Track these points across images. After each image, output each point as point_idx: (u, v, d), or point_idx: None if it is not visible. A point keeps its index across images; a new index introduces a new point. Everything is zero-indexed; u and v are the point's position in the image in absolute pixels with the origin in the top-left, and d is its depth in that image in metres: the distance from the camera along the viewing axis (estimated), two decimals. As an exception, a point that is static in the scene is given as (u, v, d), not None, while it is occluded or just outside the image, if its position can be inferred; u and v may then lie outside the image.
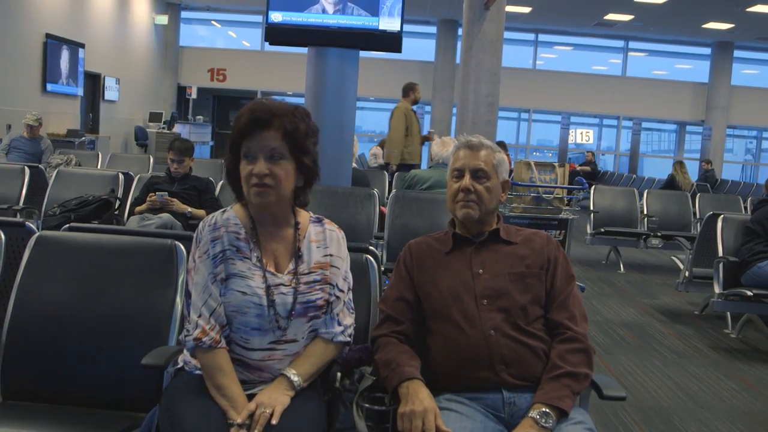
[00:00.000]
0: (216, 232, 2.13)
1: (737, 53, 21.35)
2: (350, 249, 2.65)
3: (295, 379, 2.04)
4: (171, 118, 18.76)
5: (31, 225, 2.92)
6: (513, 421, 2.08)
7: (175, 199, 5.20)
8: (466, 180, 2.39)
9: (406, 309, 2.33)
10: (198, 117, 19.29)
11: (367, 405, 2.13)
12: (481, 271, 2.31)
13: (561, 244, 5.84)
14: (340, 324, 2.18)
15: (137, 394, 2.38)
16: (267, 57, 21.07)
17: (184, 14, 21.32)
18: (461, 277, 2.31)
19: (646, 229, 8.66)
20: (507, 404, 2.13)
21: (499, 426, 2.10)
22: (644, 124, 23.01)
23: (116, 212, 5.67)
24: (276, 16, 5.54)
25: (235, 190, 2.19)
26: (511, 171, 5.97)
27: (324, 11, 5.54)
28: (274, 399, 1.98)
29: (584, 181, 6.87)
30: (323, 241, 2.23)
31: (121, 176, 5.91)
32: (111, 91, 17.15)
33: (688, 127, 23.61)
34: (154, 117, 18.73)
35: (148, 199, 5.20)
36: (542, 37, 22.24)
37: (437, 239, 2.47)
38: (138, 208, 5.29)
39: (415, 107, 9.30)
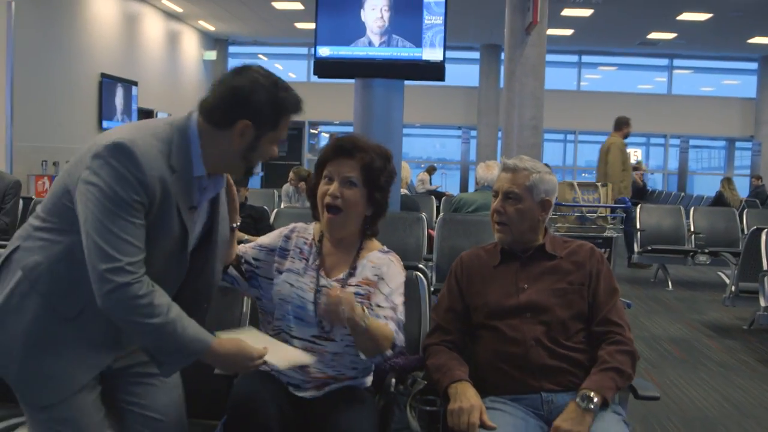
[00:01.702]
0: (291, 233, 2.45)
1: (784, 66, 21.15)
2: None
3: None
4: (222, 150, 19.25)
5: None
6: (552, 417, 2.27)
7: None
8: (498, 202, 2.55)
9: (454, 319, 2.52)
10: (248, 148, 19.73)
11: (419, 406, 2.34)
12: (525, 286, 2.46)
13: (608, 261, 6.02)
14: None
15: (209, 402, 2.59)
16: (314, 88, 21.46)
17: (232, 49, 21.92)
18: (507, 291, 2.47)
19: (693, 246, 8.72)
20: (545, 402, 2.32)
21: (539, 422, 2.29)
22: (692, 142, 22.86)
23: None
24: (324, 51, 5.81)
25: (313, 209, 2.45)
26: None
27: (370, 44, 5.80)
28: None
29: (627, 200, 6.98)
30: (380, 266, 2.41)
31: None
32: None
33: (738, 143, 23.37)
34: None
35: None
36: (585, 59, 22.32)
37: (487, 251, 2.61)
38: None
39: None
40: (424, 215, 5.65)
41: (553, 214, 5.80)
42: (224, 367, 2.16)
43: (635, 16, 16.51)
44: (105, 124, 14.50)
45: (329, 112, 21.27)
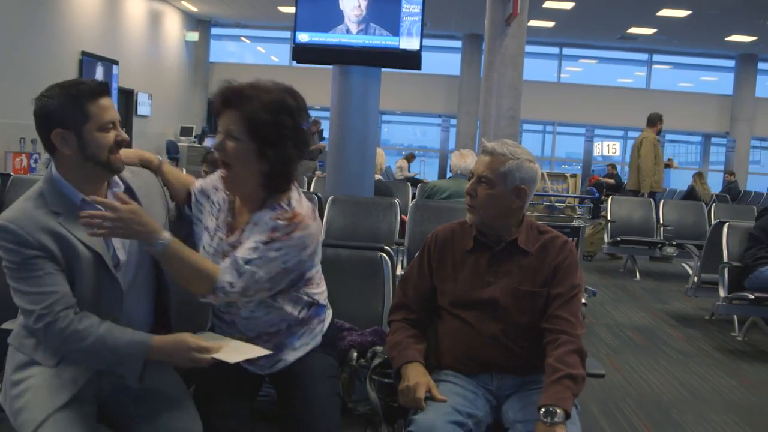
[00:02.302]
0: (219, 185, 2.41)
1: (761, 65, 21.44)
2: (368, 249, 3.03)
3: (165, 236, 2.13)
4: (202, 132, 19.30)
5: None
6: (500, 392, 2.43)
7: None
8: (471, 184, 2.50)
9: (420, 298, 2.59)
10: (228, 131, 19.73)
11: (378, 378, 2.47)
12: (492, 280, 2.47)
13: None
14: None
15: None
16: (295, 72, 21.42)
17: (214, 31, 21.88)
18: (473, 282, 2.49)
19: (662, 238, 8.90)
20: (495, 378, 2.46)
21: (488, 396, 2.43)
22: (669, 136, 23.12)
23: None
24: (303, 37, 5.91)
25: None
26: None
27: (348, 31, 5.90)
28: None
29: (595, 191, 7.11)
30: (265, 222, 2.27)
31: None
32: (143, 107, 17.68)
33: (714, 139, 23.67)
34: (185, 131, 19.27)
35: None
36: (566, 51, 22.49)
37: (463, 229, 2.57)
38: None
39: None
40: (396, 201, 5.77)
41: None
42: (171, 362, 2.19)
43: (616, 11, 16.69)
44: (84, 102, 14.47)
45: (309, 96, 20.96)
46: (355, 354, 2.57)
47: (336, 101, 6.08)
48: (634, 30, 18.74)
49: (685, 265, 7.04)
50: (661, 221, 9.10)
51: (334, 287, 2.60)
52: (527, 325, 2.43)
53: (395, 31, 5.83)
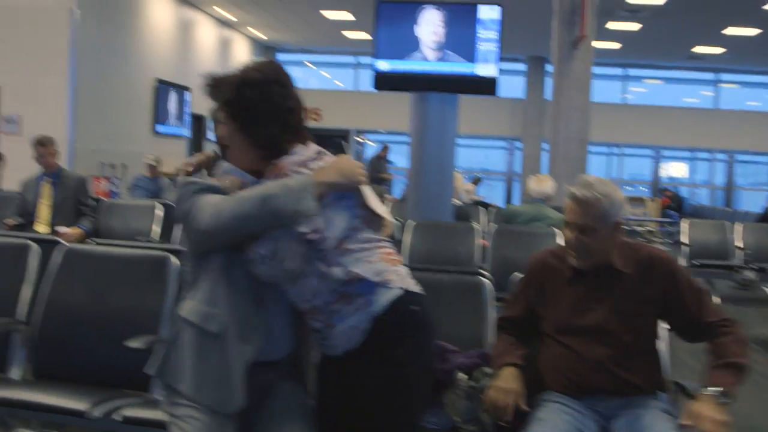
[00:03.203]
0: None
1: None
2: (464, 272, 3.11)
3: None
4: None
5: (64, 242, 3.59)
6: (608, 413, 2.48)
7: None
8: (573, 235, 2.55)
9: (522, 320, 2.69)
10: (294, 155, 20.03)
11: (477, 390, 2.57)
12: (593, 306, 2.53)
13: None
14: None
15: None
16: (360, 97, 21.82)
17: (280, 56, 22.31)
18: (575, 308, 2.56)
19: (740, 261, 8.74)
20: (602, 400, 2.51)
21: (596, 416, 2.48)
22: (739, 157, 22.69)
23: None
24: (383, 65, 6.06)
25: None
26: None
27: (425, 59, 6.03)
28: None
29: (675, 214, 7.06)
30: None
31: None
32: (213, 132, 18.05)
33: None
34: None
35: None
36: (631, 72, 22.31)
37: (559, 258, 2.65)
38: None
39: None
40: (476, 225, 5.85)
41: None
42: (339, 176, 2.22)
43: (682, 30, 16.52)
44: (159, 128, 14.93)
45: (375, 120, 21.60)
46: (462, 374, 2.65)
47: (415, 128, 6.21)
48: (700, 49, 18.51)
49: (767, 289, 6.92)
50: (740, 244, 8.94)
51: (434, 311, 2.68)
52: (632, 347, 2.49)
53: (471, 58, 5.94)
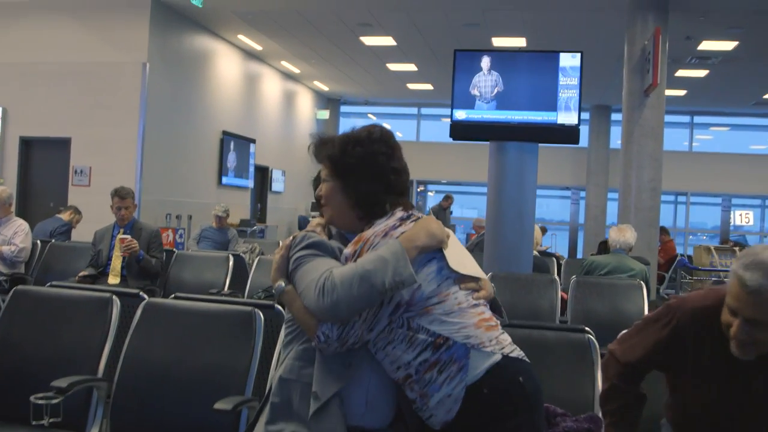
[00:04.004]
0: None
1: None
2: (568, 329, 2.93)
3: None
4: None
5: (144, 295, 3.51)
6: None
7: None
8: (739, 325, 2.14)
9: (646, 366, 2.46)
10: (357, 206, 20.08)
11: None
12: (753, 392, 2.25)
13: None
14: None
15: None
16: (421, 147, 21.84)
17: (344, 108, 22.52)
18: (727, 387, 2.27)
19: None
20: None
21: None
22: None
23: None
24: (460, 114, 5.95)
25: None
26: (690, 258, 6.01)
27: (503, 107, 5.91)
28: None
29: None
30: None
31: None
32: (277, 183, 18.26)
33: None
34: (315, 207, 19.64)
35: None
36: (697, 119, 21.92)
37: (714, 323, 2.25)
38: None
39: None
40: (557, 277, 5.65)
41: (690, 279, 5.71)
42: (426, 238, 2.15)
43: (751, 76, 16.17)
44: (224, 180, 15.08)
45: (436, 171, 21.57)
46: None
47: (493, 176, 6.07)
48: (769, 96, 18.11)
49: None
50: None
51: (537, 370, 2.52)
52: None
53: (553, 107, 5.80)
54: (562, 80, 5.76)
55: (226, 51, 15.09)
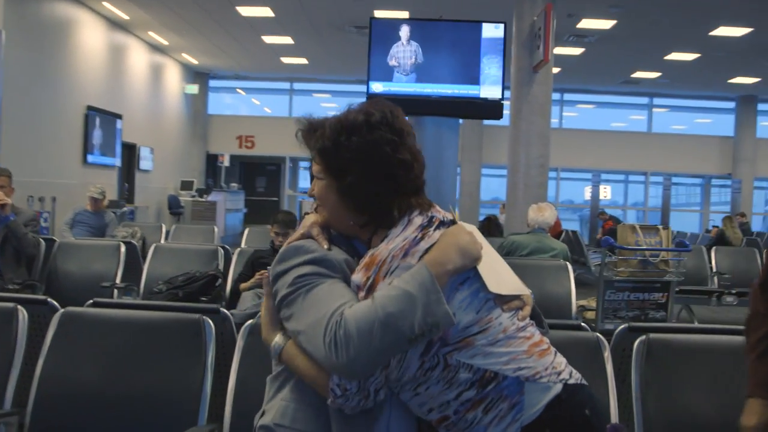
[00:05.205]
0: None
1: (761, 106, 21.48)
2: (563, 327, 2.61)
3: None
4: (206, 186, 18.89)
5: (54, 302, 2.92)
6: None
7: (286, 274, 5.11)
8: None
9: None
10: (232, 184, 19.41)
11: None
12: None
13: (664, 307, 5.78)
14: None
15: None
16: (294, 123, 21.28)
17: (212, 83, 21.59)
18: None
19: (716, 286, 8.58)
20: None
21: None
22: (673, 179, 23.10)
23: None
24: (377, 87, 5.56)
25: None
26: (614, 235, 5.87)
27: (422, 80, 5.57)
28: None
29: (687, 243, 6.77)
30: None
31: (221, 251, 5.85)
32: (145, 161, 17.28)
33: (714, 180, 23.62)
34: (186, 185, 18.83)
35: (258, 274, 5.13)
36: (566, 96, 22.47)
37: None
38: (244, 285, 5.21)
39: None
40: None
41: (614, 258, 5.57)
42: (464, 259, 1.67)
43: (625, 56, 16.59)
44: (90, 158, 14.06)
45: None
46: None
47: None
48: (638, 74, 18.69)
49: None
50: (715, 269, 8.80)
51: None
52: None
53: (476, 80, 5.51)
54: (485, 52, 5.47)
55: (90, 20, 14.03)
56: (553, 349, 1.78)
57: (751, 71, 17.77)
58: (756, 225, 22.51)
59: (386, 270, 1.65)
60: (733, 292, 8.31)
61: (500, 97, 5.45)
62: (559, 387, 1.70)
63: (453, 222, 1.76)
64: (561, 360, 1.78)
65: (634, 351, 2.45)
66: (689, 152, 21.64)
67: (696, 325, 2.71)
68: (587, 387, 1.78)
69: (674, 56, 16.25)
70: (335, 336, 1.56)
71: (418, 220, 1.74)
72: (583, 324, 2.64)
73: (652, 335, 2.44)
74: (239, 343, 2.49)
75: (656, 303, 5.75)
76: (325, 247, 1.77)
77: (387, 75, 5.54)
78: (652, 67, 17.84)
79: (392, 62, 5.39)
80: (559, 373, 1.73)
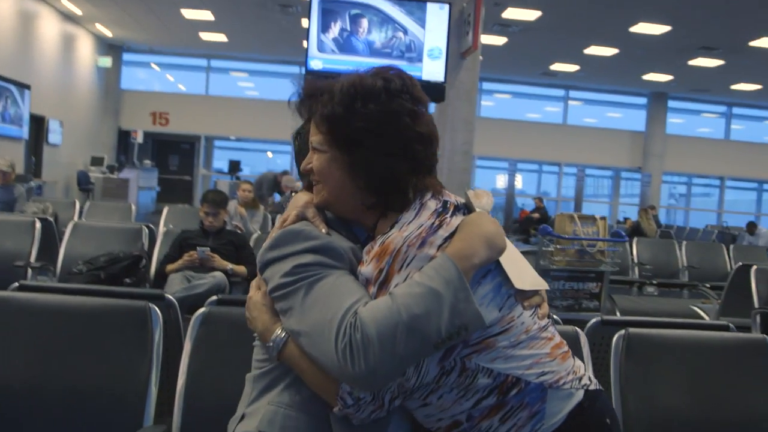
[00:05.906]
0: None
1: (671, 103, 22.12)
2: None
3: None
4: (118, 162, 18.19)
5: None
6: None
7: (216, 255, 4.89)
8: None
9: None
10: (145, 161, 18.73)
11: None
12: None
13: (597, 297, 5.79)
14: None
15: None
16: (210, 101, 20.75)
17: (126, 56, 20.77)
18: None
19: (638, 276, 8.72)
20: None
21: None
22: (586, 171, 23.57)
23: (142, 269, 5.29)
24: (316, 63, 5.34)
25: None
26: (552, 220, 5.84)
27: (364, 57, 5.38)
28: None
29: (623, 233, 6.80)
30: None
31: (145, 230, 5.53)
32: (54, 135, 16.48)
33: (623, 173, 24.23)
34: (96, 161, 18.07)
35: (186, 256, 4.87)
36: (485, 86, 22.60)
37: None
38: (170, 267, 4.95)
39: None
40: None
41: (551, 248, 5.53)
42: (490, 251, 1.48)
43: (546, 47, 16.75)
44: (-4, 130, 13.33)
45: (226, 126, 20.62)
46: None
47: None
48: (557, 66, 18.92)
49: (695, 307, 6.78)
50: (636, 260, 8.94)
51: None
52: None
53: (419, 59, 5.35)
54: (429, 33, 5.32)
55: (-3, -17, 13.23)
56: (569, 353, 1.63)
57: (665, 68, 18.22)
58: (661, 217, 23.27)
59: (401, 261, 1.45)
60: (654, 282, 8.50)
61: (443, 79, 5.31)
62: (581, 394, 1.56)
63: (467, 207, 1.59)
64: (580, 364, 1.64)
65: (613, 346, 2.34)
66: (602, 145, 22.15)
67: (675, 319, 2.60)
68: (603, 393, 1.64)
69: (593, 50, 16.50)
70: (351, 341, 1.36)
71: (432, 204, 1.55)
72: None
73: (631, 330, 2.34)
74: (190, 333, 2.26)
75: (590, 293, 5.77)
76: (323, 231, 1.55)
77: (326, 52, 5.33)
78: (571, 60, 18.08)
79: (329, 36, 5.19)
80: (580, 379, 1.59)
